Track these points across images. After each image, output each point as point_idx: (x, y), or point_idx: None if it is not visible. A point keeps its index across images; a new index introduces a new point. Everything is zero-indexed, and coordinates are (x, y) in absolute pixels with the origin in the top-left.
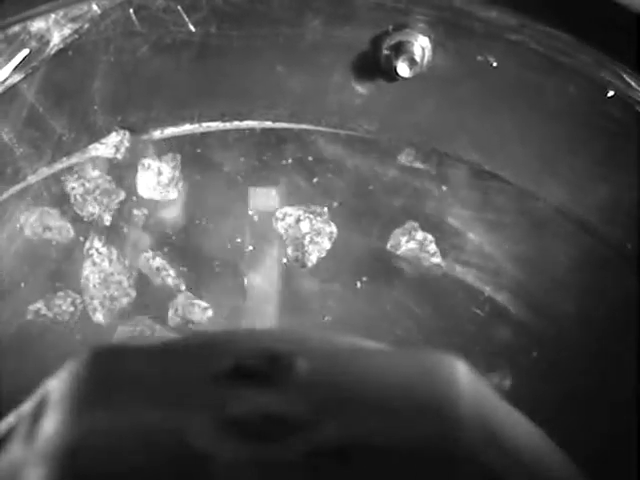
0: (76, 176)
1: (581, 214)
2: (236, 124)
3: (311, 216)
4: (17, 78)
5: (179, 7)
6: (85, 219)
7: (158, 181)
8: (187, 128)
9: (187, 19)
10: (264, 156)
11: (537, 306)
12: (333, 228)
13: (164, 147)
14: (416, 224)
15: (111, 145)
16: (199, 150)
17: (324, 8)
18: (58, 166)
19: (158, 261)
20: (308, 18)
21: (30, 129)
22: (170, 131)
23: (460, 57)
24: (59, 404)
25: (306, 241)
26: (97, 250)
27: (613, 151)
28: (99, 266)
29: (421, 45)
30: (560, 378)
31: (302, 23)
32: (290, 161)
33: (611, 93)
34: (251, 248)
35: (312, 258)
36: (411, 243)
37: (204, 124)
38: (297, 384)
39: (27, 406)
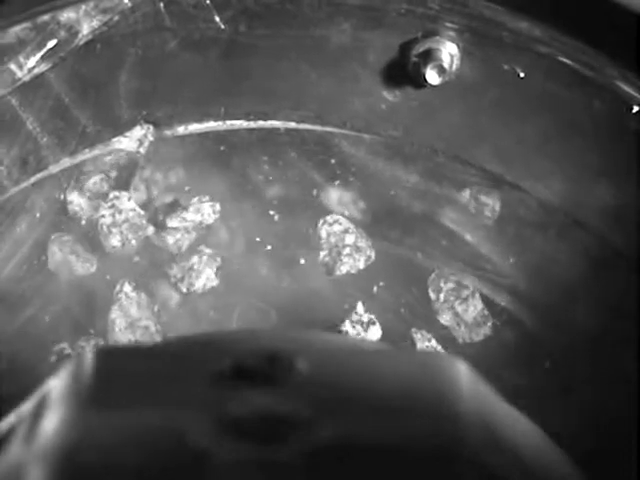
0: (110, 204)
1: (603, 228)
2: (260, 123)
3: (358, 233)
4: (44, 67)
5: (209, 3)
6: (106, 250)
7: None
8: (211, 125)
9: (217, 16)
10: (287, 156)
11: (553, 320)
12: (372, 254)
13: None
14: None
15: (135, 139)
16: (222, 148)
17: (354, 12)
18: (80, 157)
19: None
20: (338, 21)
21: (55, 119)
22: (194, 127)
23: (487, 66)
24: (59, 404)
25: (344, 253)
26: (126, 294)
27: None
28: (127, 310)
29: (450, 53)
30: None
31: (332, 26)
32: (312, 163)
33: (636, 109)
34: (269, 248)
35: (342, 269)
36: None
37: (228, 122)
38: (297, 384)
39: (27, 406)
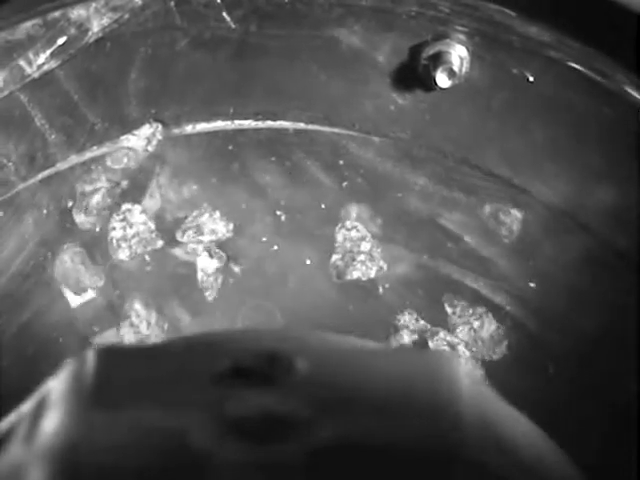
0: (122, 216)
1: (610, 233)
2: (269, 124)
3: (375, 243)
4: (54, 64)
5: (220, 2)
6: (114, 262)
7: None
8: (219, 125)
9: (228, 16)
10: (295, 157)
11: (556, 323)
12: (385, 266)
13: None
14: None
15: (143, 137)
16: (230, 147)
17: (365, 13)
18: (88, 154)
19: None
20: (349, 22)
21: (63, 116)
22: (202, 126)
23: (497, 70)
24: (59, 404)
25: (358, 259)
26: (136, 312)
27: None
28: (136, 328)
29: (460, 56)
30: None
31: (342, 27)
32: (320, 164)
33: None
34: (276, 248)
35: (353, 275)
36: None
37: (237, 121)
38: (297, 384)
39: (27, 406)
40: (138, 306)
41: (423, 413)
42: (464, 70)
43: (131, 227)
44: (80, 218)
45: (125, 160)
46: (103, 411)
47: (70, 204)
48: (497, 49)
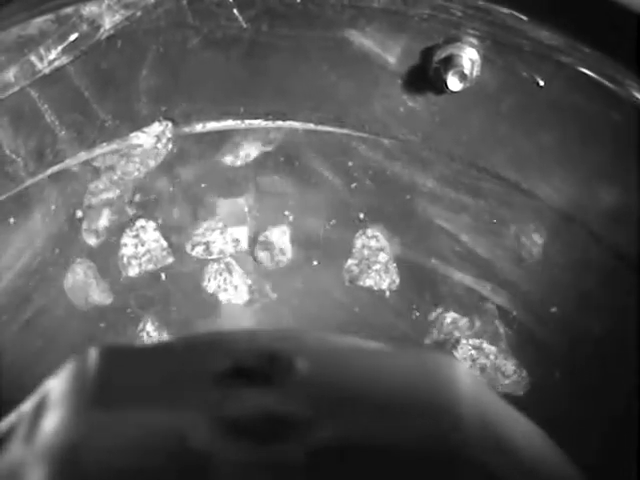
0: (134, 233)
1: (617, 238)
2: (279, 124)
3: (391, 256)
4: (65, 60)
5: (232, 2)
6: (121, 280)
7: None
8: (229, 124)
9: (239, 15)
10: (304, 157)
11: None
12: (397, 280)
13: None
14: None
15: (153, 135)
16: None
17: (377, 15)
18: (98, 151)
19: None
20: (360, 24)
21: (73, 112)
22: (212, 125)
23: (507, 74)
24: (59, 404)
25: (374, 268)
26: (148, 334)
27: None
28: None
29: (471, 59)
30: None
31: (354, 28)
32: (329, 164)
33: None
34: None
35: (366, 282)
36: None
37: (247, 121)
38: (297, 384)
39: (27, 405)
40: (150, 327)
41: (423, 413)
42: (475, 73)
43: (143, 245)
44: (92, 240)
45: (135, 173)
46: (103, 411)
47: (80, 214)
48: (508, 53)
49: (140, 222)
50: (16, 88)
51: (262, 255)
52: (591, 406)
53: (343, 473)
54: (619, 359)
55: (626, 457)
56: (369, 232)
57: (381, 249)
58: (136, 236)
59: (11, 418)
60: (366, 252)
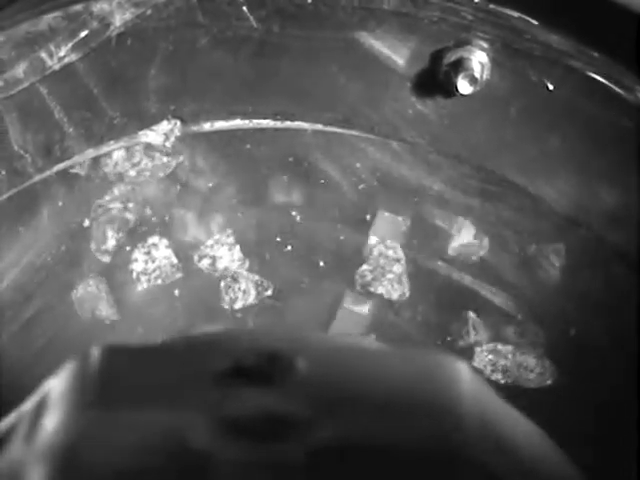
0: (146, 249)
1: (621, 244)
2: (287, 124)
3: (405, 269)
4: (74, 57)
5: (243, 1)
6: (130, 297)
7: None
8: (237, 123)
9: (250, 15)
10: (312, 158)
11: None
12: (408, 293)
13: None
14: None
15: (161, 133)
16: (248, 146)
17: (388, 17)
18: (105, 149)
19: None
20: (371, 25)
21: (82, 110)
22: (220, 125)
23: (517, 77)
24: (59, 403)
25: (387, 277)
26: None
27: None
28: None
29: (480, 62)
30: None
31: (364, 30)
32: (337, 166)
33: None
34: (289, 248)
35: (377, 290)
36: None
37: (255, 121)
38: (297, 384)
39: (28, 405)
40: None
41: (424, 413)
42: (485, 77)
43: (154, 261)
44: (105, 258)
45: (145, 184)
46: (103, 411)
47: (87, 223)
48: (518, 56)
49: (153, 239)
50: (25, 84)
51: None
52: (590, 405)
53: (343, 473)
54: (619, 359)
55: (626, 457)
56: (388, 242)
57: (397, 260)
58: (147, 253)
59: (11, 418)
60: (382, 261)
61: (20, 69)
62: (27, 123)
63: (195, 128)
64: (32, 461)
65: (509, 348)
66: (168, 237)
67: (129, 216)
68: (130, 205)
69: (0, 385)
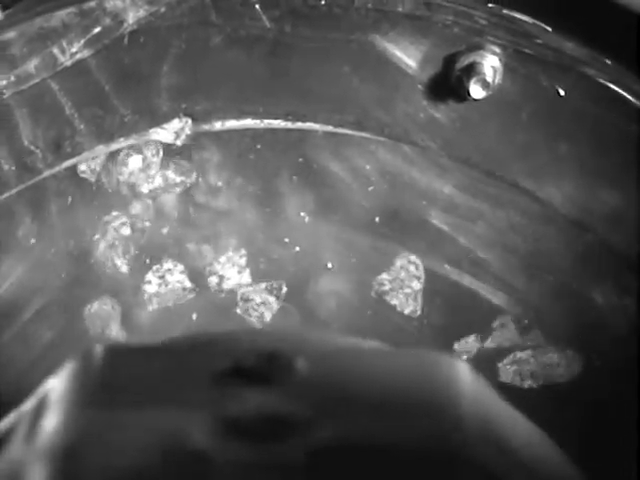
0: (161, 274)
1: (630, 250)
2: (298, 125)
3: (422, 288)
4: (87, 54)
5: (257, 1)
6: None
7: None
8: (249, 123)
9: (263, 14)
10: (322, 159)
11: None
12: (419, 310)
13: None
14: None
15: (172, 131)
16: (259, 146)
17: (401, 20)
18: (115, 146)
19: None
20: (384, 28)
21: (93, 106)
22: (231, 124)
23: (528, 82)
24: (59, 403)
25: (404, 291)
26: None
27: None
28: None
29: (492, 67)
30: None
31: (377, 32)
32: (347, 167)
33: None
34: (297, 249)
35: (392, 301)
36: None
37: (266, 121)
38: (297, 384)
39: (28, 405)
40: None
41: (424, 413)
42: (497, 81)
43: (167, 285)
44: (121, 275)
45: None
46: (104, 411)
47: (97, 236)
48: (530, 62)
49: (168, 264)
50: (37, 80)
51: None
52: (590, 405)
53: (343, 473)
54: (620, 360)
55: (626, 457)
56: (412, 258)
57: (417, 277)
58: (162, 277)
59: (11, 418)
60: (403, 274)
61: (32, 64)
62: (38, 119)
63: (206, 127)
64: (32, 461)
65: (529, 352)
66: (182, 260)
67: (139, 236)
68: (144, 224)
69: (0, 385)
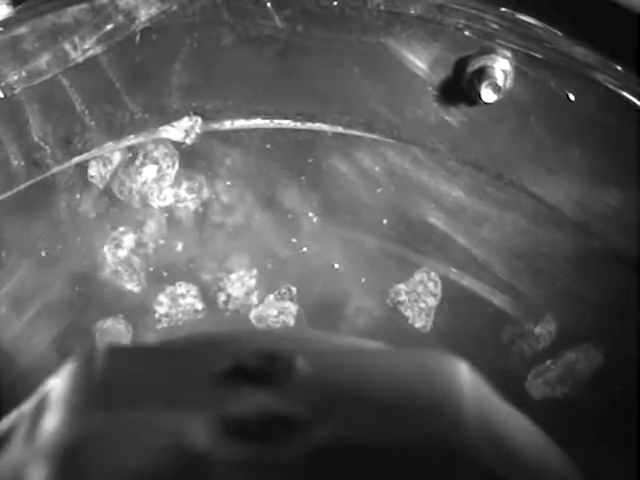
0: (172, 297)
1: (618, 240)
2: (308, 125)
3: (436, 306)
4: (98, 50)
5: (268, 0)
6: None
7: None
8: (258, 122)
9: (275, 14)
10: (331, 160)
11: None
12: (430, 325)
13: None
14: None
15: (182, 129)
16: (268, 146)
17: (413, 22)
18: (125, 143)
19: None
20: (396, 30)
21: (104, 103)
22: (240, 123)
23: (539, 87)
24: (60, 403)
25: (419, 305)
26: None
27: None
28: None
29: (503, 71)
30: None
31: (389, 34)
32: (356, 168)
33: None
34: (305, 249)
35: (406, 312)
36: None
37: (276, 121)
38: (297, 384)
39: (28, 405)
40: None
41: (424, 413)
42: (507, 85)
43: (178, 307)
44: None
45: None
46: (104, 411)
47: (105, 248)
48: (540, 66)
49: (181, 288)
50: (48, 76)
51: None
52: (589, 404)
53: (343, 474)
54: (620, 360)
55: (626, 457)
56: (432, 275)
57: (434, 295)
58: (174, 299)
59: (11, 418)
60: (420, 288)
61: (43, 60)
62: (48, 114)
63: (216, 126)
64: (32, 461)
65: (547, 361)
66: (194, 282)
67: (149, 254)
68: (156, 244)
69: (0, 385)
